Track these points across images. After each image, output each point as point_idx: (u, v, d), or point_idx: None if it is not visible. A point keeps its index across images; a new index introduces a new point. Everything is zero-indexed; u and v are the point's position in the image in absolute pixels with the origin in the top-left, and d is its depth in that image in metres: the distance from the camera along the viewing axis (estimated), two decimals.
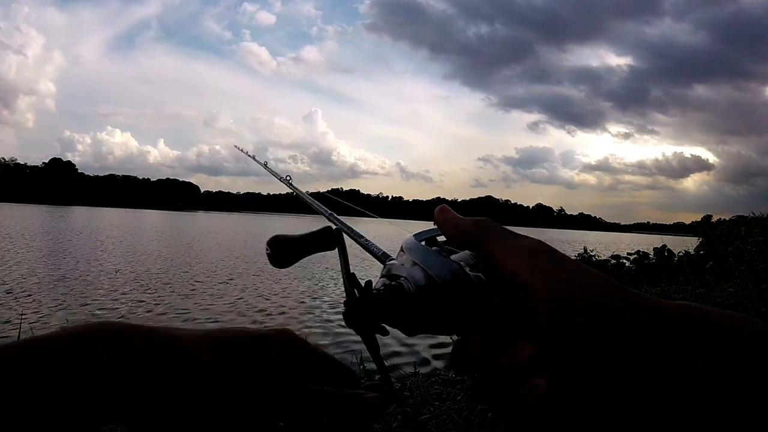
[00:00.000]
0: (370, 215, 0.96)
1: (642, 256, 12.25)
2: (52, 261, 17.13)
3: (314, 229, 0.52)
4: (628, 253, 12.62)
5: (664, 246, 12.29)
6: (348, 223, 0.64)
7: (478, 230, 0.45)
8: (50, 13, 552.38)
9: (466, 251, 0.46)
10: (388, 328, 0.44)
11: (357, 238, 0.62)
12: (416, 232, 0.49)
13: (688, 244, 12.76)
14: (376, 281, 0.45)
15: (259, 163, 1.34)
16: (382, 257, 0.54)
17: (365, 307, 0.43)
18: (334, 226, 0.52)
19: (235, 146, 1.72)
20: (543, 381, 0.37)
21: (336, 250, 0.51)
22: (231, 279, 15.33)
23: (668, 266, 11.20)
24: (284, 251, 0.51)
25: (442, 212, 0.49)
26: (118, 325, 0.41)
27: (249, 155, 1.50)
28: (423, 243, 0.47)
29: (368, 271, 0.57)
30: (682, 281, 9.41)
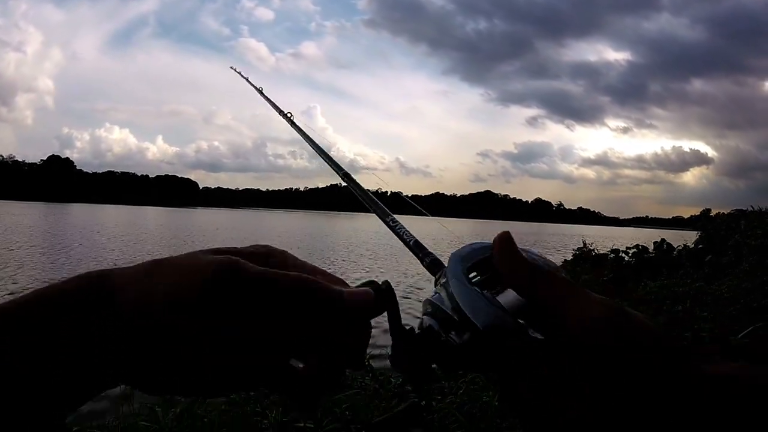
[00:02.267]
0: (423, 212, 0.90)
1: (641, 250, 12.24)
2: (49, 258, 17.10)
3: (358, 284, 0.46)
4: (627, 247, 12.61)
5: (663, 240, 12.27)
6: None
7: (542, 282, 0.41)
8: (48, 9, 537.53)
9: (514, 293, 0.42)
10: None
11: (384, 216, 0.60)
12: (463, 250, 0.45)
13: (687, 238, 12.76)
14: (423, 319, 0.45)
15: (256, 89, 1.33)
16: (415, 248, 0.54)
17: (413, 354, 0.43)
18: (380, 282, 0.45)
19: (232, 67, 1.65)
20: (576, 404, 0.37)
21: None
22: None
23: (667, 260, 11.19)
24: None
25: (501, 247, 0.43)
26: (100, 275, 0.39)
27: (245, 78, 1.46)
28: (467, 277, 0.43)
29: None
30: (682, 275, 9.42)
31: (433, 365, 0.44)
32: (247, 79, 1.47)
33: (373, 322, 0.44)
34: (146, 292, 0.37)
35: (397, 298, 0.44)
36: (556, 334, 0.39)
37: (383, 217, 0.61)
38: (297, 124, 1.02)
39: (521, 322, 0.40)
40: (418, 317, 0.46)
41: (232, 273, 0.37)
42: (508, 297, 0.42)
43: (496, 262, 0.43)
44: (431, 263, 0.52)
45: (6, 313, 0.35)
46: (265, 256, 0.44)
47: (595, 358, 0.36)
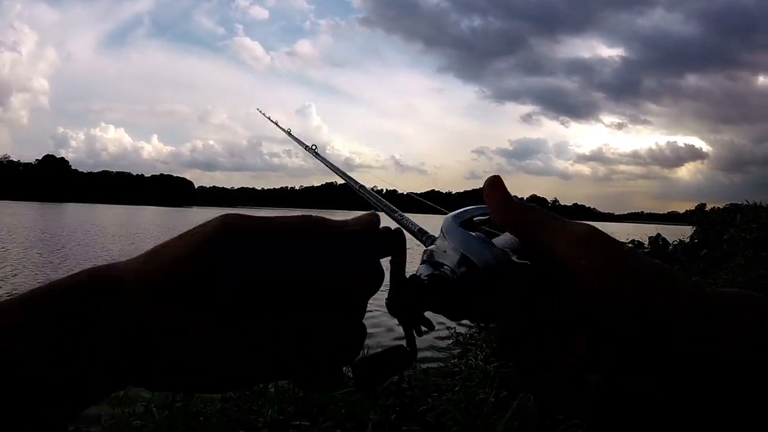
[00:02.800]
0: (441, 210, 0.91)
1: (637, 245, 12.26)
2: (45, 258, 17.05)
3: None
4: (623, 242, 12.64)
5: (659, 235, 12.31)
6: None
7: (526, 217, 0.43)
8: (42, 9, 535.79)
9: (510, 235, 0.45)
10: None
11: (391, 212, 0.62)
12: (455, 212, 0.47)
13: (683, 232, 12.80)
14: (418, 267, 0.45)
15: (283, 130, 1.34)
16: (419, 234, 0.54)
17: (410, 295, 0.42)
18: (393, 226, 0.45)
19: (258, 109, 1.68)
20: (596, 378, 0.37)
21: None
22: None
23: (663, 255, 11.23)
24: (366, 372, 0.44)
25: (491, 189, 0.44)
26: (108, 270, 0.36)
27: (272, 121, 1.47)
28: (461, 226, 0.45)
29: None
30: (677, 269, 9.44)
31: (428, 311, 0.43)
32: (276, 124, 1.50)
33: (368, 324, 0.42)
34: (156, 262, 0.36)
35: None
36: (545, 259, 0.40)
37: (391, 214, 0.63)
38: (321, 155, 1.03)
39: (516, 258, 0.41)
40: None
41: (236, 221, 0.37)
42: (502, 239, 0.44)
43: (487, 202, 0.44)
44: (428, 239, 0.53)
45: (8, 309, 0.33)
46: None
47: (579, 275, 0.38)
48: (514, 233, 0.44)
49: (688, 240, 11.89)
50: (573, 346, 0.38)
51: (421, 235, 0.55)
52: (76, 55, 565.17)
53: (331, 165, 0.96)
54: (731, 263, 8.12)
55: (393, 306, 0.43)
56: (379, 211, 0.66)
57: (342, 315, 0.39)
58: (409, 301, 0.42)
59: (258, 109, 1.66)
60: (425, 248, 0.47)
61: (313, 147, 1.09)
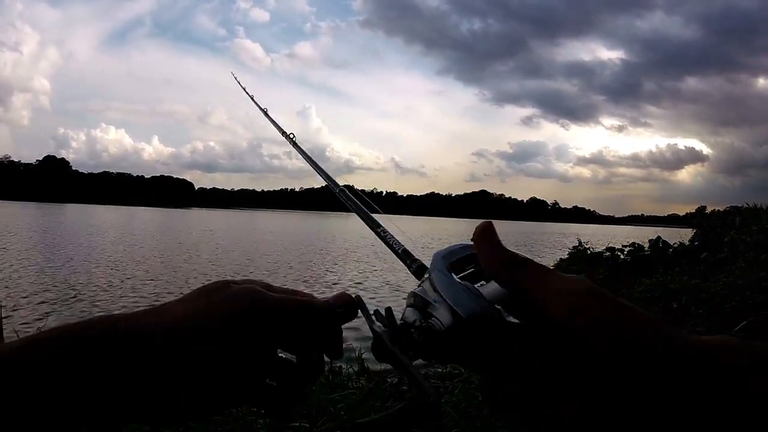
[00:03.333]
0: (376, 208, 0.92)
1: (637, 248, 12.27)
2: (45, 259, 17.03)
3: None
4: (623, 245, 12.65)
5: (659, 238, 12.31)
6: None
7: (518, 273, 0.41)
8: (42, 9, 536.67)
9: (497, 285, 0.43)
10: None
11: (374, 227, 0.62)
12: (444, 250, 0.47)
13: (683, 235, 12.80)
14: (404, 310, 0.46)
15: (262, 110, 1.29)
16: (404, 256, 0.55)
17: (400, 346, 0.44)
18: (353, 294, 0.53)
19: (232, 73, 1.65)
20: (576, 406, 0.36)
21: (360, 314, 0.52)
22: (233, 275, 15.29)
23: (663, 258, 11.23)
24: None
25: (481, 237, 0.44)
26: (127, 319, 0.43)
27: (255, 102, 1.43)
28: (451, 272, 0.45)
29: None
30: (677, 272, 9.44)
31: (413, 354, 0.45)
32: (252, 98, 1.46)
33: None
34: (160, 321, 0.44)
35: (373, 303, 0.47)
36: (534, 317, 0.40)
37: (374, 228, 0.63)
38: (299, 145, 1.03)
39: (501, 309, 0.42)
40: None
41: (261, 300, 0.47)
42: (489, 288, 0.43)
43: (477, 251, 0.44)
44: (417, 269, 0.53)
45: (19, 352, 0.38)
46: (266, 287, 0.52)
47: (570, 334, 0.37)
48: (504, 286, 0.43)
49: (688, 243, 11.90)
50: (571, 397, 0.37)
51: (406, 257, 0.55)
52: (77, 55, 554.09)
53: (310, 159, 0.93)
54: (731, 266, 8.12)
55: (380, 354, 0.46)
56: (359, 217, 0.68)
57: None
58: (400, 350, 0.44)
59: (232, 73, 1.63)
60: (412, 290, 0.48)
61: (291, 135, 1.07)
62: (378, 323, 0.47)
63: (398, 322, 0.46)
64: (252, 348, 0.45)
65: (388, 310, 0.47)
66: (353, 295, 0.53)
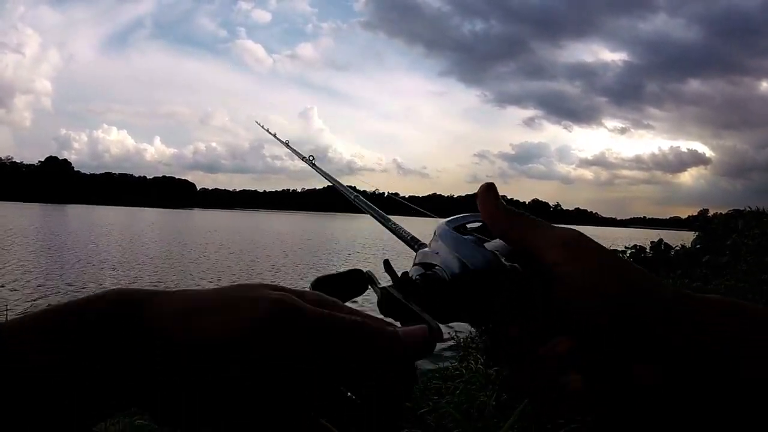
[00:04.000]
0: (429, 215, 0.95)
1: (638, 250, 12.25)
2: (47, 259, 17.07)
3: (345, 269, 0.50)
4: (626, 247, 12.62)
5: (661, 240, 12.28)
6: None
7: (515, 222, 0.45)
8: (44, 11, 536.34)
9: (500, 240, 0.46)
10: None
11: (384, 221, 0.65)
12: (449, 218, 0.49)
13: (685, 238, 12.77)
14: (410, 269, 0.46)
15: (282, 142, 1.34)
16: (411, 242, 0.56)
17: (403, 293, 0.43)
18: (364, 270, 0.49)
19: (257, 122, 1.67)
20: (578, 377, 0.38)
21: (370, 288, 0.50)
22: (233, 276, 15.31)
23: (665, 260, 11.20)
24: (327, 292, 0.46)
25: (484, 195, 0.47)
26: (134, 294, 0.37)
27: (271, 133, 1.48)
28: (454, 231, 0.47)
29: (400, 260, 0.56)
30: (679, 275, 9.42)
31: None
32: (274, 136, 1.48)
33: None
34: (189, 328, 0.35)
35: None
36: (531, 265, 0.42)
37: (386, 224, 0.67)
38: (318, 166, 1.06)
39: (505, 261, 0.43)
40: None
41: (291, 312, 0.35)
42: (494, 243, 0.46)
43: (480, 206, 0.47)
44: (420, 246, 0.55)
45: (29, 324, 0.34)
46: (319, 303, 0.40)
47: (565, 278, 0.40)
48: (503, 239, 0.45)
49: (690, 246, 11.87)
50: (556, 346, 0.39)
51: (414, 243, 0.57)
52: (78, 57, 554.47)
53: (328, 175, 0.97)
54: (733, 269, 8.10)
55: (385, 307, 0.44)
56: (373, 217, 0.70)
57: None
58: (402, 296, 0.43)
59: (257, 122, 1.66)
60: (419, 251, 0.49)
61: (311, 158, 1.10)
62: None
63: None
64: (295, 378, 0.35)
65: (386, 262, 0.46)
66: (365, 271, 0.50)
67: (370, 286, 0.49)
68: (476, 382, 3.88)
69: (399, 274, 0.45)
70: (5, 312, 3.60)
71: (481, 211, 0.47)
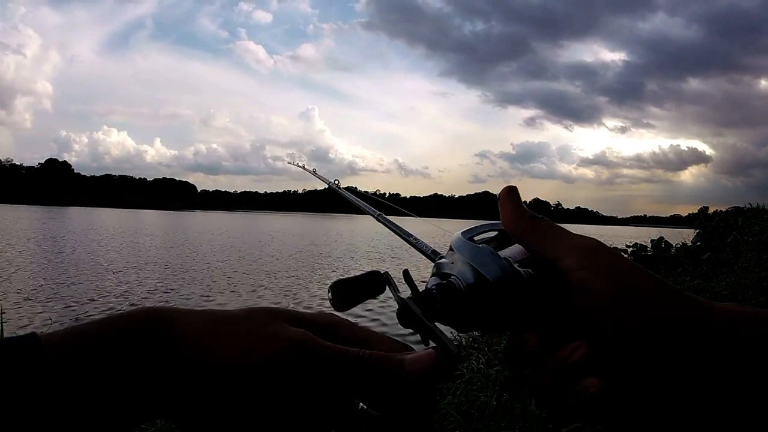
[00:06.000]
0: (410, 215, 0.99)
1: (639, 248, 12.26)
2: (47, 262, 17.07)
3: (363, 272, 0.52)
4: (627, 245, 12.63)
5: (662, 238, 12.30)
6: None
7: (535, 228, 0.45)
8: (45, 12, 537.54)
9: (518, 246, 0.46)
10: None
11: (406, 237, 0.65)
12: (464, 229, 0.49)
13: (686, 236, 12.78)
14: (428, 280, 0.46)
15: (309, 171, 1.38)
16: (432, 255, 0.55)
17: (421, 305, 0.44)
18: (382, 270, 0.51)
19: (288, 162, 1.70)
20: (596, 382, 0.39)
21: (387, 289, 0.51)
22: (234, 279, 15.31)
23: (666, 258, 11.21)
24: (344, 294, 0.49)
25: (505, 198, 0.47)
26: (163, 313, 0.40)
27: (299, 166, 1.54)
28: (470, 240, 0.47)
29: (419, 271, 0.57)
30: (680, 272, 9.43)
31: (441, 323, 0.44)
32: (303, 167, 1.53)
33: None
34: (211, 355, 0.38)
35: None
36: (551, 269, 0.42)
37: (407, 238, 0.66)
38: (342, 189, 1.10)
39: (519, 267, 0.42)
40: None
41: (304, 349, 0.39)
42: (510, 250, 0.46)
43: (501, 209, 0.47)
44: (431, 253, 0.55)
45: (56, 342, 0.36)
46: (332, 327, 0.45)
47: (583, 286, 0.40)
48: (522, 244, 0.45)
49: (690, 243, 11.88)
50: (574, 351, 0.40)
51: (435, 256, 0.56)
52: (79, 58, 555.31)
53: (353, 197, 1.00)
54: (734, 266, 8.10)
55: (403, 318, 0.46)
56: (366, 214, 0.69)
57: None
58: (421, 311, 0.44)
59: (295, 163, 1.67)
60: (436, 262, 0.49)
61: (336, 182, 1.13)
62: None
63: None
64: (311, 401, 0.39)
65: (406, 272, 0.47)
66: (382, 271, 0.50)
67: (387, 287, 0.50)
68: (477, 383, 3.88)
69: (419, 286, 0.45)
70: None
71: (502, 214, 0.47)
